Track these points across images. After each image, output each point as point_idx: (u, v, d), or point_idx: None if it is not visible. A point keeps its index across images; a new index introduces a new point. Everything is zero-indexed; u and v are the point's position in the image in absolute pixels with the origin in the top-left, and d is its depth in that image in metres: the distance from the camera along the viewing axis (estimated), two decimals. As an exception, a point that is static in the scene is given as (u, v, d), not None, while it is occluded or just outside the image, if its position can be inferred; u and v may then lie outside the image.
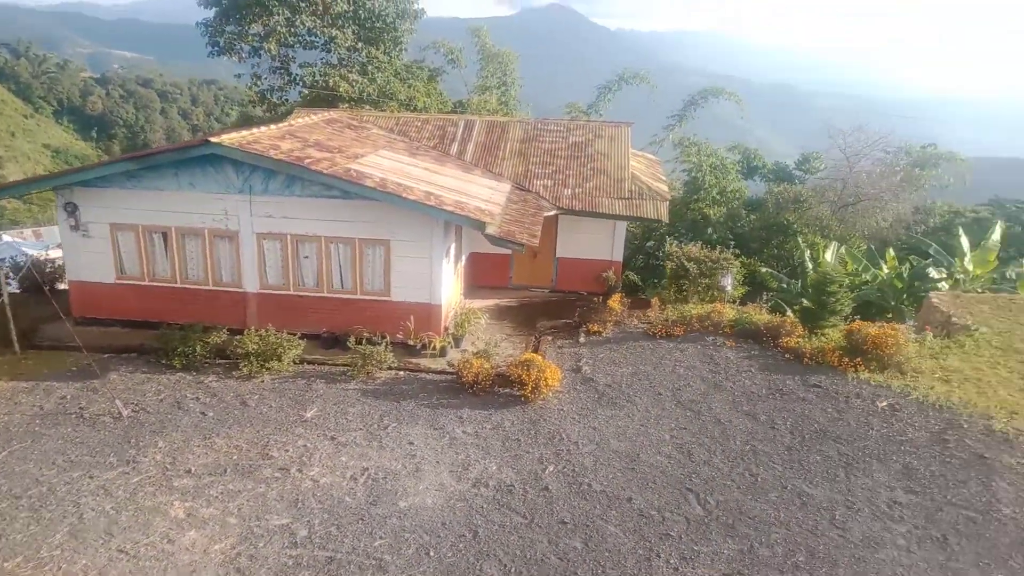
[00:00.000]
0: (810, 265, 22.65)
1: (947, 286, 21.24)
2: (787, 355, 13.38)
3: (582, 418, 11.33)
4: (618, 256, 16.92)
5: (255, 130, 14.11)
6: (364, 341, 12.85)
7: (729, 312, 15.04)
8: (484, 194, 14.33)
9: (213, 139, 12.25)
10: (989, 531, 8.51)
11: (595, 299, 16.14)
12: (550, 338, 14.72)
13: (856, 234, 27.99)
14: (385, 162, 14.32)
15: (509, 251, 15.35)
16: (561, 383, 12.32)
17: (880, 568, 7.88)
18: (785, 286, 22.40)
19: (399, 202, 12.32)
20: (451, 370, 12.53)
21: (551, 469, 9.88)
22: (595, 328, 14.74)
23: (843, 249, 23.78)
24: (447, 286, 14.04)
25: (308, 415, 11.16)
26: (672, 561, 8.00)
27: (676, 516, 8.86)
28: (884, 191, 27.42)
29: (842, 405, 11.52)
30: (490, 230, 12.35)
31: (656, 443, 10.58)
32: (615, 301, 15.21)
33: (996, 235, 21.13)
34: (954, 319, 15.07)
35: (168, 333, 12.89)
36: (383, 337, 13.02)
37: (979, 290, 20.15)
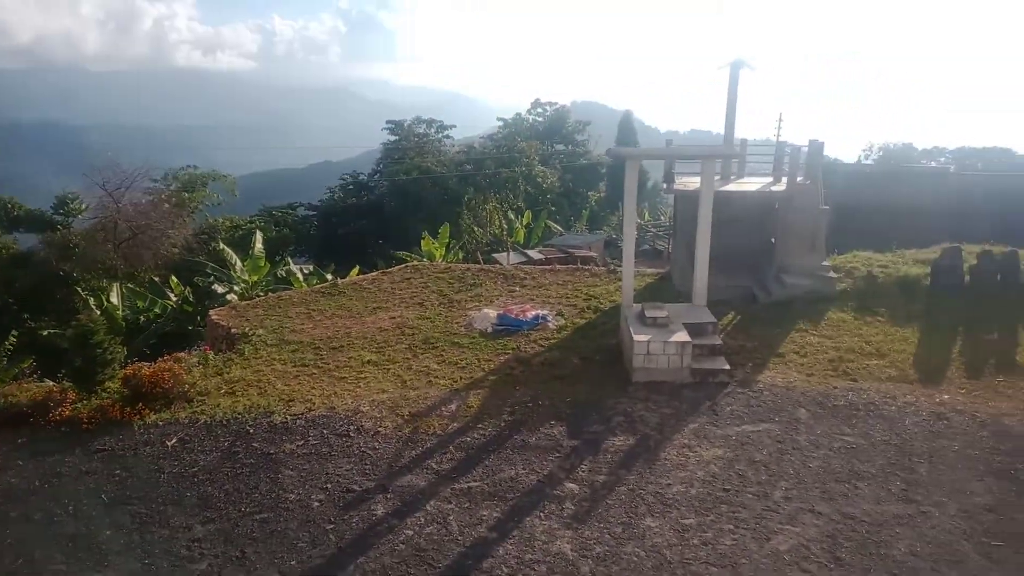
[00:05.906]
0: (97, 313, 20.79)
1: (236, 297, 22.68)
2: (64, 428, 11.63)
3: None
4: None
5: None
6: None
7: (-22, 403, 12.18)
8: None
9: None
10: (278, 524, 9.01)
11: None
12: None
13: (145, 268, 27.25)
14: None
15: None
16: None
17: (182, 624, 7.43)
18: (74, 344, 20.05)
19: None
20: None
21: None
22: None
23: (125, 288, 22.71)
24: None
25: None
26: None
27: None
28: (158, 220, 27.33)
29: (129, 462, 10.61)
30: None
31: None
32: None
33: (259, 243, 23.53)
34: (233, 330, 15.93)
35: None
36: None
37: (261, 294, 22.16)
